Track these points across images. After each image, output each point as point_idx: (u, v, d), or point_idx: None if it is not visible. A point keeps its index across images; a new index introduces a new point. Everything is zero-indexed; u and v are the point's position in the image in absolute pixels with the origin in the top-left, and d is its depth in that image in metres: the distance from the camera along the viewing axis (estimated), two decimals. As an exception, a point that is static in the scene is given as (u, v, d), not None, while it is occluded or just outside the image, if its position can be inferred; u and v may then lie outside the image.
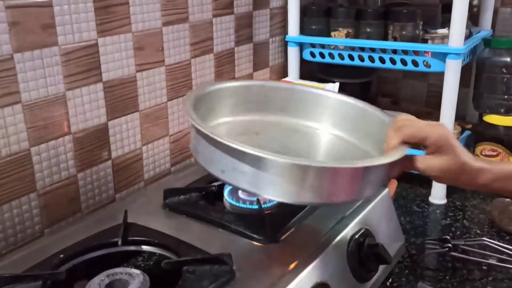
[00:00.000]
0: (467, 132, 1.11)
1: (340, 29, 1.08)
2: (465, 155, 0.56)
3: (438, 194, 0.98)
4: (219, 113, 0.70)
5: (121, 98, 0.81)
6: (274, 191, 0.51)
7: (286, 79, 1.14)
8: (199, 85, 0.69)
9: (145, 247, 0.63)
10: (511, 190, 0.58)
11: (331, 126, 0.71)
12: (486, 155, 1.01)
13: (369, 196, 0.62)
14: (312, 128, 0.72)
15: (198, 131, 0.55)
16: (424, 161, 0.56)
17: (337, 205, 0.68)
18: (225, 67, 1.02)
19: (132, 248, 0.63)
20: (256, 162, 0.50)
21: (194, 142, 0.59)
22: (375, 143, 0.65)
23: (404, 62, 0.99)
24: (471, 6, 0.91)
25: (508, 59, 0.99)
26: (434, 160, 0.56)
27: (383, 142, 0.59)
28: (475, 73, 1.06)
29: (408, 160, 0.56)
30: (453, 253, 0.79)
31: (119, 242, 0.62)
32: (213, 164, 0.54)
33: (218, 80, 1.00)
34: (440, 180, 0.59)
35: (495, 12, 1.16)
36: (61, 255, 0.59)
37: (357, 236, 0.65)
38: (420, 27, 1.02)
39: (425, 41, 1.01)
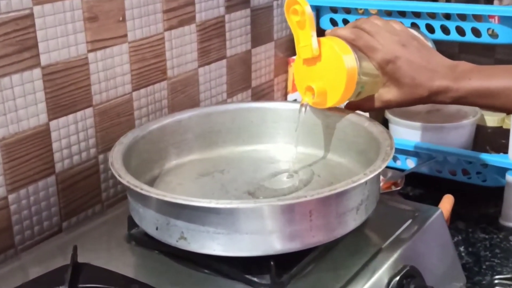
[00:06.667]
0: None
1: (371, -14, 1.08)
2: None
3: (511, 214, 0.97)
4: (166, 155, 0.80)
5: (67, 89, 0.80)
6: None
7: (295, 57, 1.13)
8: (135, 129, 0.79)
9: (101, 297, 0.62)
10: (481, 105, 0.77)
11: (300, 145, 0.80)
12: None
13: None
14: (277, 152, 0.84)
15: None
16: (380, 98, 0.73)
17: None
18: (212, 42, 1.02)
19: (84, 299, 0.62)
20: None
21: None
22: (357, 153, 0.75)
23: (461, 31, 0.98)
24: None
25: None
26: (389, 94, 0.73)
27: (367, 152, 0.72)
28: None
29: (367, 100, 0.74)
30: (533, 297, 0.79)
31: (66, 291, 0.61)
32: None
33: (203, 61, 1.00)
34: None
35: None
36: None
37: (399, 277, 0.65)
38: (483, -17, 1.02)
39: (489, 1, 1.01)
